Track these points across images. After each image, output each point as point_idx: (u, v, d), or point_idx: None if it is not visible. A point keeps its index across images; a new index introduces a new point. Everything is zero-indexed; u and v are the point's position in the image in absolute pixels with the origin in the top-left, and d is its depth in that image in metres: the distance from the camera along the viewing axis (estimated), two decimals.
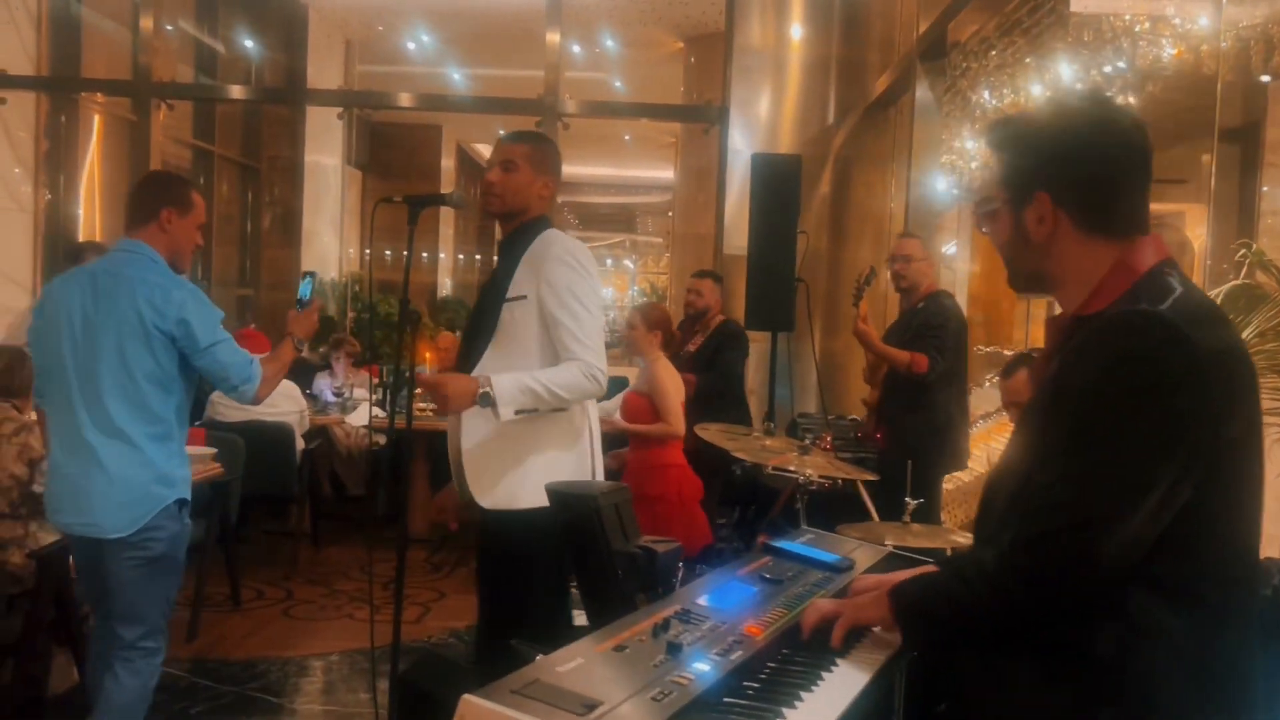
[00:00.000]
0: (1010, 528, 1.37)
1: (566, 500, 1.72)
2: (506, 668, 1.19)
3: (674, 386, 4.36)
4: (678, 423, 4.31)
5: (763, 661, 1.43)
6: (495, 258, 3.16)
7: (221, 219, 10.20)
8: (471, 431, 2.68)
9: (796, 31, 7.15)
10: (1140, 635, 1.30)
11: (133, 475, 2.76)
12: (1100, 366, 1.35)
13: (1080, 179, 1.45)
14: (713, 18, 9.21)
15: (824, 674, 1.41)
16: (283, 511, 6.18)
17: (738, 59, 7.23)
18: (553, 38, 7.71)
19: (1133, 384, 1.31)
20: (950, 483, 5.04)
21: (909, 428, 4.33)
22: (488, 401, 2.48)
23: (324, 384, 6.89)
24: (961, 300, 8.67)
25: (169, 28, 8.96)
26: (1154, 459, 1.29)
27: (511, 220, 2.78)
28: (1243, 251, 4.62)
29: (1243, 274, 4.66)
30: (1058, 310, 1.55)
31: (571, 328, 2.58)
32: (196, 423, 5.88)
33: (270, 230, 10.57)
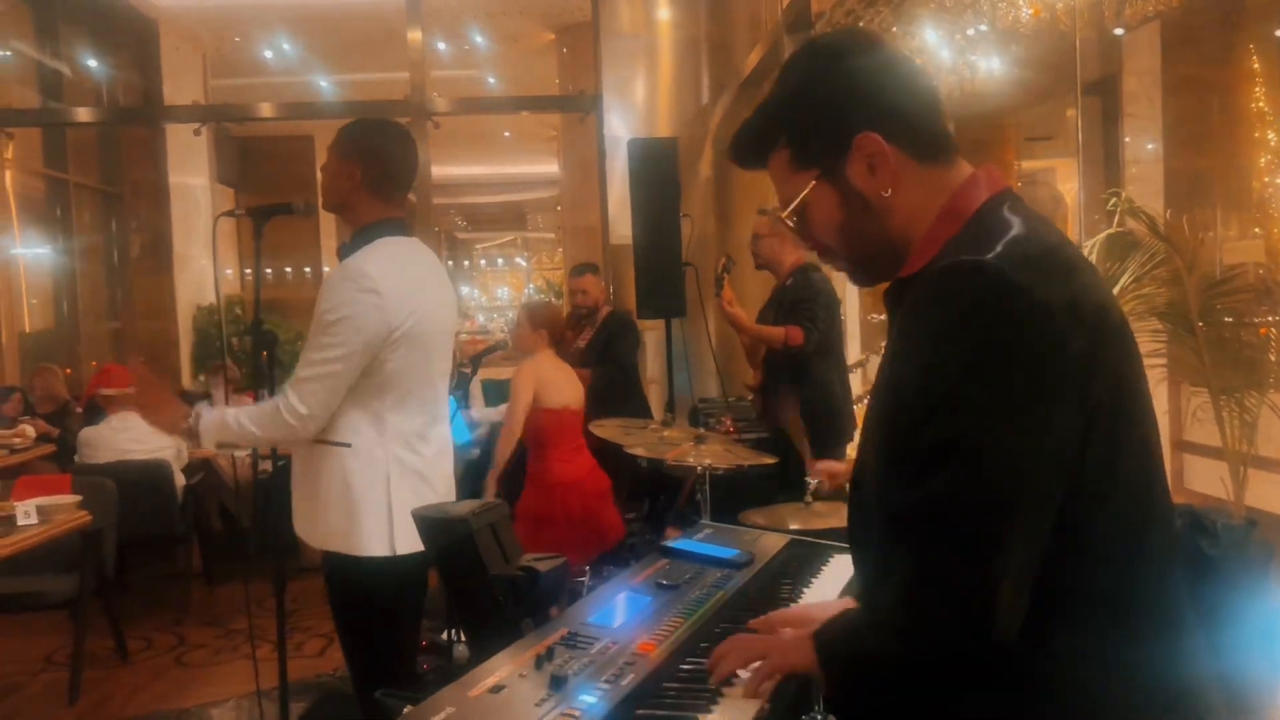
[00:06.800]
0: (896, 559, 1.11)
1: (435, 525, 1.57)
2: None
3: (523, 387, 4.09)
4: (514, 427, 4.09)
5: (659, 682, 1.31)
6: None
7: (85, 249, 9.66)
8: (295, 462, 2.47)
9: (664, 14, 7.07)
10: (1046, 647, 1.09)
11: None
12: (921, 345, 1.09)
13: (897, 104, 1.21)
14: (582, 6, 9.07)
15: (724, 688, 1.29)
16: (170, 552, 5.84)
17: (607, 45, 7.11)
18: (414, 35, 7.49)
19: (963, 361, 1.05)
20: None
21: (794, 405, 4.23)
22: (190, 435, 2.30)
23: None
24: None
25: (5, 53, 8.42)
26: (1014, 450, 1.03)
27: (348, 222, 2.42)
28: (1113, 201, 4.69)
29: (1115, 222, 4.74)
30: None
31: (302, 358, 2.28)
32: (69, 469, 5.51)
33: (139, 258, 10.07)
